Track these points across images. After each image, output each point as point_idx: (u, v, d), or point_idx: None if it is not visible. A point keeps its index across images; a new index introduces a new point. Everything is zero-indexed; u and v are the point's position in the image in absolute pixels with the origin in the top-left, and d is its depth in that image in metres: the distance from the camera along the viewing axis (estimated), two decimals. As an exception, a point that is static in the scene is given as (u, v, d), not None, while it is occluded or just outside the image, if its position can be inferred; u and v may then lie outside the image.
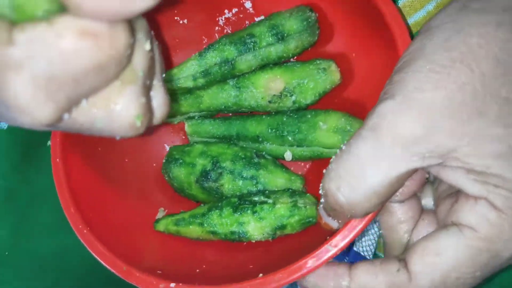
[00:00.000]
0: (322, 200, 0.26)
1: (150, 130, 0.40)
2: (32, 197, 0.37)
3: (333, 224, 0.27)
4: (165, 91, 0.23)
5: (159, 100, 0.22)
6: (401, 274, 0.25)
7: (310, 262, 0.27)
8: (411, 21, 0.39)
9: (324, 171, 0.26)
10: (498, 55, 0.23)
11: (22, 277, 0.35)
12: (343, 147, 0.25)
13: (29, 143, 0.37)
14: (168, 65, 0.41)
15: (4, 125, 0.36)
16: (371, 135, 0.24)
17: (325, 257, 0.27)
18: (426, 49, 0.24)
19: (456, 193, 0.26)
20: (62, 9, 0.16)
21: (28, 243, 0.36)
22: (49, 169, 0.34)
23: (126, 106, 0.19)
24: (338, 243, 0.27)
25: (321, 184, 0.26)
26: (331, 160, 0.26)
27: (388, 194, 0.25)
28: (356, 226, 0.27)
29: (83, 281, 0.38)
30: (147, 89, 0.21)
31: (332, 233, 0.28)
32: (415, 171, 0.25)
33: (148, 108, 0.21)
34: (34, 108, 0.16)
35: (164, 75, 0.24)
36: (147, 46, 0.20)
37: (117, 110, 0.19)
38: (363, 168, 0.24)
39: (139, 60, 0.20)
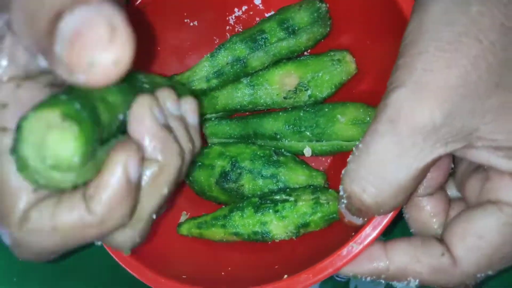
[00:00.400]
0: (343, 200, 0.25)
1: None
2: None
3: (357, 221, 0.27)
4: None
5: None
6: (445, 258, 0.24)
7: (335, 261, 0.26)
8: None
9: (343, 172, 0.25)
10: (503, 21, 0.21)
11: (44, 282, 0.35)
12: (360, 146, 0.24)
13: None
14: (181, 68, 0.41)
15: None
16: (389, 129, 0.22)
17: (350, 255, 0.26)
18: (425, 26, 0.22)
19: (484, 170, 0.25)
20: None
21: None
22: None
23: (120, 243, 0.23)
24: (363, 240, 0.26)
25: (341, 186, 0.25)
26: (349, 160, 0.25)
27: (414, 186, 0.24)
28: (381, 221, 0.26)
29: (104, 285, 0.39)
30: (150, 224, 0.24)
31: (358, 227, 0.27)
32: (439, 158, 0.23)
33: (141, 241, 0.24)
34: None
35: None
36: (164, 190, 0.22)
37: (113, 241, 0.23)
38: (386, 166, 0.23)
39: (149, 202, 0.22)
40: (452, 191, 0.29)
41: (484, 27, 0.21)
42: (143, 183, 0.21)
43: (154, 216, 0.23)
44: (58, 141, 0.17)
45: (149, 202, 0.22)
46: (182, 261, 0.34)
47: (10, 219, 0.19)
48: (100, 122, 0.19)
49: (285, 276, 0.27)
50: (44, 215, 0.19)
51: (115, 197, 0.19)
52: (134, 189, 0.20)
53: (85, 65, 0.15)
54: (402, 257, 0.25)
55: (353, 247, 0.26)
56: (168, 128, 0.23)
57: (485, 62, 0.21)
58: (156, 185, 0.22)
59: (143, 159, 0.21)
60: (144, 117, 0.21)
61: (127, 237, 0.22)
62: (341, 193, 0.25)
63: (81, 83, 0.16)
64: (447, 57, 0.21)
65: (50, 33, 0.15)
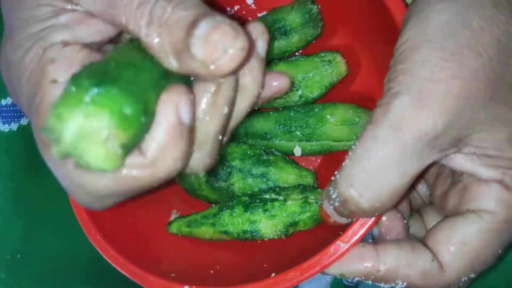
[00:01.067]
0: (334, 203, 0.25)
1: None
2: (43, 199, 0.37)
3: (343, 221, 0.27)
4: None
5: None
6: (434, 264, 0.25)
7: (322, 259, 0.27)
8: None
9: (337, 175, 0.25)
10: (501, 38, 0.22)
11: (33, 279, 0.35)
12: (359, 151, 0.24)
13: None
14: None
15: (14, 127, 0.37)
16: (392, 135, 0.22)
17: (337, 254, 0.26)
18: (427, 35, 0.23)
19: (461, 182, 0.26)
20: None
21: (39, 245, 0.36)
22: None
23: (192, 167, 0.23)
24: (350, 238, 0.26)
25: (330, 189, 0.25)
26: (345, 164, 0.24)
27: (406, 189, 0.24)
28: (368, 221, 0.26)
29: (94, 282, 0.39)
30: (217, 145, 0.24)
31: (346, 226, 0.27)
32: (432, 164, 0.24)
33: (212, 162, 0.24)
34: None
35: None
36: (225, 109, 0.23)
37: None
38: (386, 172, 0.23)
39: (213, 122, 0.22)
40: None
41: (485, 42, 0.22)
42: (204, 105, 0.22)
43: (220, 137, 0.23)
44: (95, 156, 0.18)
45: (212, 122, 0.22)
46: (171, 260, 0.34)
47: (66, 161, 0.20)
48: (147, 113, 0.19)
49: (273, 274, 0.28)
50: None
51: (167, 138, 0.20)
52: (186, 131, 0.20)
53: (219, 54, 0.19)
54: (393, 260, 0.26)
55: (340, 245, 0.26)
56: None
57: (484, 75, 0.22)
58: (216, 105, 0.22)
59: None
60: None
61: (197, 159, 0.23)
62: (333, 196, 0.25)
63: (211, 73, 0.19)
64: (450, 67, 0.22)
65: (186, 38, 0.19)
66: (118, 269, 0.31)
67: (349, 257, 0.27)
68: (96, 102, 0.17)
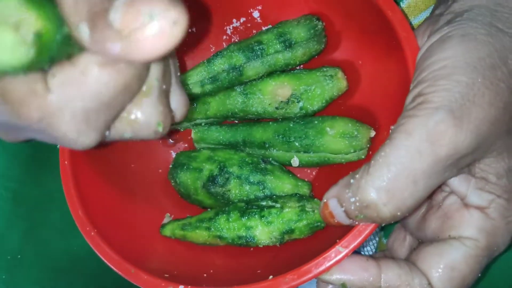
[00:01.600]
0: (347, 205, 0.26)
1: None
2: (43, 200, 0.37)
3: (348, 223, 0.27)
4: (183, 91, 0.24)
5: (177, 101, 0.23)
6: (429, 287, 0.26)
7: (321, 263, 0.27)
8: (415, 21, 0.40)
9: (361, 180, 0.24)
10: None
11: (34, 280, 0.34)
12: (390, 158, 0.24)
13: (40, 145, 0.37)
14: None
15: None
16: (429, 149, 0.23)
17: (336, 258, 0.27)
18: (472, 60, 0.24)
19: (441, 209, 0.28)
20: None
21: (39, 246, 0.36)
22: (59, 172, 0.34)
23: (146, 117, 0.20)
24: (349, 244, 0.27)
25: (351, 192, 0.25)
26: (371, 170, 0.24)
27: None
28: (367, 227, 0.27)
29: (95, 283, 0.38)
30: (164, 94, 0.22)
31: (341, 236, 0.28)
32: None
33: (167, 113, 0.22)
34: (81, 139, 0.18)
35: (179, 74, 0.24)
36: None
37: (139, 121, 0.20)
38: (416, 185, 0.23)
39: (153, 70, 0.20)
40: None
41: None
42: None
43: (163, 86, 0.21)
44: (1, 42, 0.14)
45: (152, 69, 0.20)
46: (165, 261, 0.34)
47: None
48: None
49: (270, 276, 0.28)
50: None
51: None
52: None
53: (141, 22, 0.14)
54: (394, 277, 0.27)
55: (339, 250, 0.27)
56: None
57: (510, 109, 0.24)
58: None
59: None
60: None
61: (149, 108, 0.20)
62: (352, 200, 0.25)
63: (127, 50, 0.15)
64: (489, 94, 0.24)
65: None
66: (112, 266, 0.30)
67: (352, 268, 0.27)
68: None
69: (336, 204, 0.26)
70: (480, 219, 0.26)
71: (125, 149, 0.39)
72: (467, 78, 0.24)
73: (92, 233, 0.31)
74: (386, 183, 0.24)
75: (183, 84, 0.40)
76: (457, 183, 0.27)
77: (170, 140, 0.43)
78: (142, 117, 0.20)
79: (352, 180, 0.25)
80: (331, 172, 0.39)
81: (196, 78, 0.39)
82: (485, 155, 0.25)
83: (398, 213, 0.24)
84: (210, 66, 0.39)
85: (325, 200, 0.27)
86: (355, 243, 0.27)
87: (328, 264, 0.27)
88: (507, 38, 0.25)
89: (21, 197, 0.35)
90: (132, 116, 0.20)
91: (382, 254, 0.35)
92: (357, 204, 0.25)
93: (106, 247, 0.31)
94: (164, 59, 0.21)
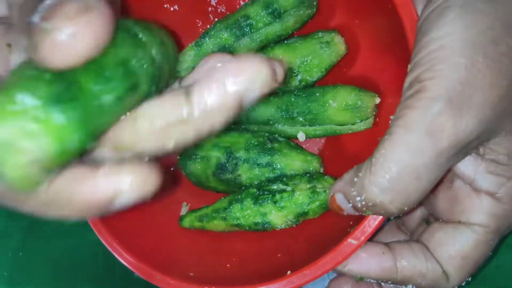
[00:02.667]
0: (354, 202, 0.25)
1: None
2: None
3: (356, 213, 0.27)
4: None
5: None
6: (443, 275, 0.27)
7: (336, 257, 0.27)
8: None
9: (365, 180, 0.24)
10: None
11: (35, 277, 0.35)
12: (390, 155, 0.23)
13: None
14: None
15: None
16: (429, 144, 0.22)
17: (349, 250, 0.27)
18: (470, 36, 0.22)
19: (450, 189, 0.27)
20: None
21: (42, 243, 0.36)
22: None
23: None
24: (361, 236, 0.27)
25: (356, 192, 0.25)
26: (374, 169, 0.23)
27: None
28: (377, 217, 0.27)
29: (97, 280, 0.39)
30: None
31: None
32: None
33: None
34: None
35: None
36: None
37: None
38: (420, 180, 0.23)
39: None
40: None
41: None
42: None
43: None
44: (12, 174, 0.15)
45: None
46: (187, 257, 0.35)
47: None
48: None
49: (288, 272, 0.29)
50: None
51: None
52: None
53: (41, 33, 0.14)
54: (410, 267, 0.27)
55: (352, 243, 0.27)
56: None
57: None
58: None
59: None
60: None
61: None
62: (358, 199, 0.25)
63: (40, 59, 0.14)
64: (490, 74, 0.22)
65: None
66: (138, 274, 0.32)
67: (369, 262, 0.28)
68: (39, 122, 0.14)
69: (343, 199, 0.26)
70: (490, 205, 0.25)
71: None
72: (466, 59, 0.22)
73: (114, 244, 0.32)
74: (389, 182, 0.23)
75: (175, 71, 0.38)
76: (463, 167, 0.26)
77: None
78: None
79: (356, 179, 0.25)
80: (340, 139, 0.38)
81: (187, 63, 0.37)
82: (492, 136, 0.24)
83: (405, 208, 0.24)
84: (199, 49, 0.37)
85: (331, 194, 0.27)
86: (366, 234, 0.27)
87: (342, 257, 0.27)
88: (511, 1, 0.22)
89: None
90: None
91: (394, 224, 0.35)
92: (363, 202, 0.24)
93: (128, 256, 0.32)
94: None
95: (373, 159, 0.24)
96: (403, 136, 0.23)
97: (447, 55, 0.22)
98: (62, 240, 0.37)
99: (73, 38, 0.14)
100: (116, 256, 0.32)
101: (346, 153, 0.38)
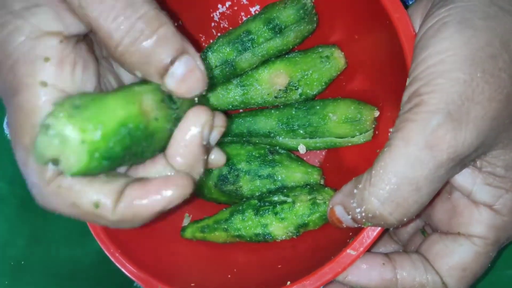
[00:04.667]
0: (353, 214, 0.26)
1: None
2: None
3: (355, 226, 0.28)
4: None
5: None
6: (443, 286, 0.27)
7: (335, 267, 0.28)
8: None
9: (365, 192, 0.24)
10: None
11: (36, 286, 0.35)
12: (390, 167, 0.23)
13: None
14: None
15: None
16: (429, 156, 0.22)
17: (349, 261, 0.27)
18: (469, 52, 0.22)
19: (449, 200, 0.28)
20: None
21: (44, 252, 0.37)
22: None
23: None
24: (359, 246, 0.27)
25: (356, 203, 0.25)
26: (373, 181, 0.24)
27: None
28: (375, 229, 0.27)
29: None
30: None
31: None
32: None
33: None
34: None
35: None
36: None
37: None
38: (420, 193, 0.23)
39: None
40: None
41: None
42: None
43: None
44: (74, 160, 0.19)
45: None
46: (189, 267, 0.35)
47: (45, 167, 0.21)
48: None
49: (288, 282, 0.29)
50: None
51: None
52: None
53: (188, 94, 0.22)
54: (410, 279, 0.28)
55: (351, 253, 0.27)
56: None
57: None
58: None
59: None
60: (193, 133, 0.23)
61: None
62: (358, 210, 0.25)
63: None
64: (488, 88, 0.22)
65: (164, 69, 0.21)
66: (140, 283, 0.32)
67: (369, 274, 0.28)
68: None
69: (342, 211, 0.27)
70: (489, 217, 0.26)
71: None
72: (465, 74, 0.22)
73: (117, 254, 0.33)
74: (389, 194, 0.23)
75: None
76: (461, 179, 0.26)
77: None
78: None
79: (355, 190, 0.25)
80: (341, 152, 0.39)
81: (190, 77, 0.38)
82: (490, 149, 0.24)
83: (405, 219, 0.24)
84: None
85: (331, 207, 0.27)
86: (365, 245, 0.27)
87: (341, 268, 0.28)
88: (510, 17, 0.23)
89: (27, 203, 0.35)
90: None
91: (387, 234, 0.35)
92: (363, 214, 0.25)
93: (131, 266, 0.32)
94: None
95: (373, 171, 0.24)
96: (403, 148, 0.23)
97: (446, 70, 0.23)
98: (64, 249, 0.38)
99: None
100: (118, 265, 0.33)
101: (346, 166, 0.38)
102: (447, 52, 0.23)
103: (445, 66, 0.23)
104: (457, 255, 0.27)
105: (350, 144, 0.36)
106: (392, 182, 0.23)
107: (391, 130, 0.25)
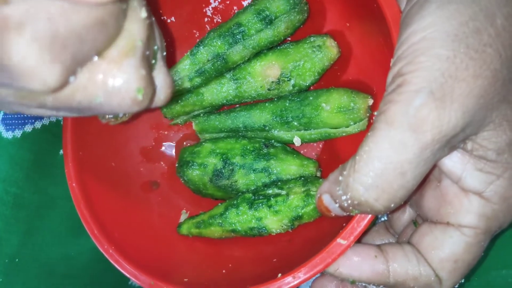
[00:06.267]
0: (340, 202, 0.25)
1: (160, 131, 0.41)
2: (43, 205, 0.37)
3: (345, 214, 0.27)
4: (168, 72, 0.22)
5: (161, 80, 0.21)
6: (436, 279, 0.26)
7: (325, 258, 0.27)
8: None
9: (349, 178, 0.23)
10: None
11: (30, 284, 0.35)
12: (374, 152, 0.22)
13: (41, 151, 0.37)
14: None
15: (18, 134, 0.37)
16: (412, 139, 0.21)
17: (339, 251, 0.27)
18: (452, 27, 0.21)
19: (438, 188, 0.27)
20: None
21: (38, 250, 0.36)
22: (60, 178, 0.35)
23: (125, 79, 0.18)
24: (350, 235, 0.27)
25: (342, 191, 0.24)
26: (358, 167, 0.23)
27: None
28: (365, 216, 0.26)
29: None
30: (147, 60, 0.20)
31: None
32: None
33: (150, 81, 0.20)
34: (41, 70, 0.15)
35: (165, 53, 0.22)
36: (143, 13, 0.19)
37: (116, 84, 0.18)
38: (405, 177, 0.22)
39: (136, 28, 0.19)
40: None
41: (504, 41, 0.22)
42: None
43: (147, 52, 0.20)
44: None
45: (135, 29, 0.19)
46: (184, 263, 0.35)
47: None
48: None
49: (279, 275, 0.28)
50: None
51: None
52: None
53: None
54: (402, 274, 0.27)
55: (341, 243, 0.27)
56: None
57: (501, 75, 0.22)
58: (134, 9, 0.19)
59: None
60: None
61: (130, 69, 0.18)
62: (343, 198, 0.24)
63: None
64: (473, 65, 0.21)
65: None
66: (133, 279, 0.32)
67: (361, 266, 0.27)
68: None
69: (329, 199, 0.26)
70: (479, 206, 0.25)
71: (131, 154, 0.40)
72: (448, 50, 0.21)
73: (111, 250, 0.33)
74: (374, 179, 0.23)
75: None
76: (450, 164, 0.25)
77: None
78: (121, 79, 0.18)
79: (340, 177, 0.24)
80: (337, 143, 0.38)
81: (183, 73, 0.38)
82: (480, 129, 0.23)
83: (392, 205, 0.23)
84: (194, 58, 0.37)
85: (318, 195, 0.27)
86: (356, 234, 0.26)
87: (331, 258, 0.27)
88: None
89: (21, 202, 0.35)
90: (109, 78, 0.18)
91: (383, 225, 0.34)
92: (349, 201, 0.24)
93: (124, 262, 0.32)
94: (148, 22, 0.19)
95: (357, 157, 0.23)
96: (386, 131, 0.22)
97: (428, 47, 0.22)
98: (58, 247, 0.38)
99: None
100: (113, 262, 0.32)
101: (343, 157, 0.37)
102: (429, 28, 0.22)
103: (427, 43, 0.22)
104: (447, 247, 0.25)
105: (345, 134, 0.35)
106: (376, 167, 0.22)
107: (375, 113, 0.24)
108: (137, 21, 0.19)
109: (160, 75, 0.21)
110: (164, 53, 0.22)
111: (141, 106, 0.19)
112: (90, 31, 0.16)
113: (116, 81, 0.18)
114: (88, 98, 0.18)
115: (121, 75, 0.18)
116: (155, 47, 0.21)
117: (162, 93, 0.22)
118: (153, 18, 0.21)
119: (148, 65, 0.20)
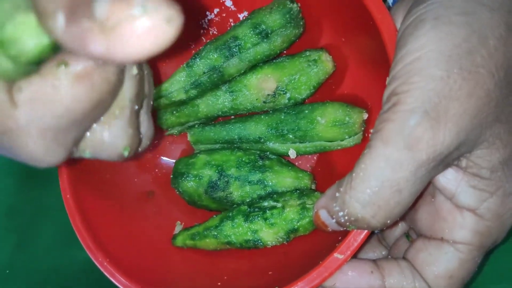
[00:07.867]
0: (337, 217, 0.25)
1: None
2: (35, 215, 0.37)
3: (342, 229, 0.27)
4: (151, 120, 0.23)
5: (145, 129, 0.22)
6: None
7: (322, 272, 0.27)
8: None
9: (346, 195, 0.24)
10: (510, 61, 0.22)
11: None
12: (370, 169, 0.23)
13: None
14: (157, 79, 0.40)
15: None
16: (408, 157, 0.22)
17: (336, 265, 0.27)
18: (446, 48, 0.22)
19: (432, 204, 0.27)
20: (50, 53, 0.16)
21: (29, 261, 0.36)
22: (53, 187, 0.35)
23: (113, 139, 0.19)
24: (346, 250, 0.27)
25: (338, 207, 0.25)
26: (354, 184, 0.23)
27: None
28: (362, 232, 0.27)
29: None
30: (135, 115, 0.20)
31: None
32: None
33: (136, 137, 0.21)
34: (48, 158, 0.17)
35: (151, 102, 0.23)
36: (134, 71, 0.19)
37: (105, 143, 0.19)
38: (401, 194, 0.23)
39: (126, 87, 0.19)
40: None
41: (497, 62, 0.22)
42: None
43: (136, 106, 0.20)
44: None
45: (126, 88, 0.19)
46: (178, 276, 0.35)
47: None
48: None
49: (276, 287, 0.28)
50: None
51: None
52: None
53: (130, 14, 0.12)
54: (398, 286, 0.27)
55: (338, 257, 0.27)
56: None
57: (494, 95, 0.22)
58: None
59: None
60: None
61: (118, 131, 0.19)
62: (340, 214, 0.25)
63: (108, 48, 0.13)
64: (466, 85, 0.22)
65: None
66: (128, 293, 0.32)
67: (358, 282, 0.27)
68: None
69: (326, 215, 0.26)
70: (473, 223, 0.25)
71: (126, 166, 0.40)
72: (441, 71, 0.22)
73: (105, 263, 0.33)
74: (370, 197, 0.23)
75: (167, 92, 0.39)
76: (444, 181, 0.25)
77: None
78: (109, 139, 0.19)
79: (337, 194, 0.25)
80: (332, 156, 0.39)
81: (179, 84, 0.38)
82: (474, 147, 0.24)
83: (388, 221, 0.24)
84: (190, 70, 0.38)
85: (315, 210, 0.27)
86: (352, 248, 0.27)
87: (328, 272, 0.27)
88: (487, 13, 0.23)
89: (14, 212, 0.35)
90: (98, 136, 0.19)
91: (375, 238, 0.35)
92: (346, 217, 0.24)
93: (119, 275, 0.32)
94: (138, 77, 0.20)
95: (353, 174, 0.24)
96: (382, 149, 0.23)
97: (423, 67, 0.22)
98: (51, 258, 0.37)
99: (168, 20, 0.13)
100: (107, 275, 0.32)
101: (338, 170, 0.38)
102: (423, 49, 0.23)
103: (422, 64, 0.22)
104: (442, 264, 0.26)
105: (340, 148, 0.36)
106: (373, 185, 0.23)
107: (371, 131, 0.25)
108: (127, 79, 0.19)
109: (144, 123, 0.22)
110: (152, 102, 0.23)
111: (125, 159, 0.21)
112: (90, 114, 0.17)
113: (104, 141, 0.19)
114: (78, 152, 0.19)
115: (109, 136, 0.19)
116: (144, 99, 0.22)
117: (144, 140, 0.22)
118: (145, 71, 0.22)
119: (136, 118, 0.21)
